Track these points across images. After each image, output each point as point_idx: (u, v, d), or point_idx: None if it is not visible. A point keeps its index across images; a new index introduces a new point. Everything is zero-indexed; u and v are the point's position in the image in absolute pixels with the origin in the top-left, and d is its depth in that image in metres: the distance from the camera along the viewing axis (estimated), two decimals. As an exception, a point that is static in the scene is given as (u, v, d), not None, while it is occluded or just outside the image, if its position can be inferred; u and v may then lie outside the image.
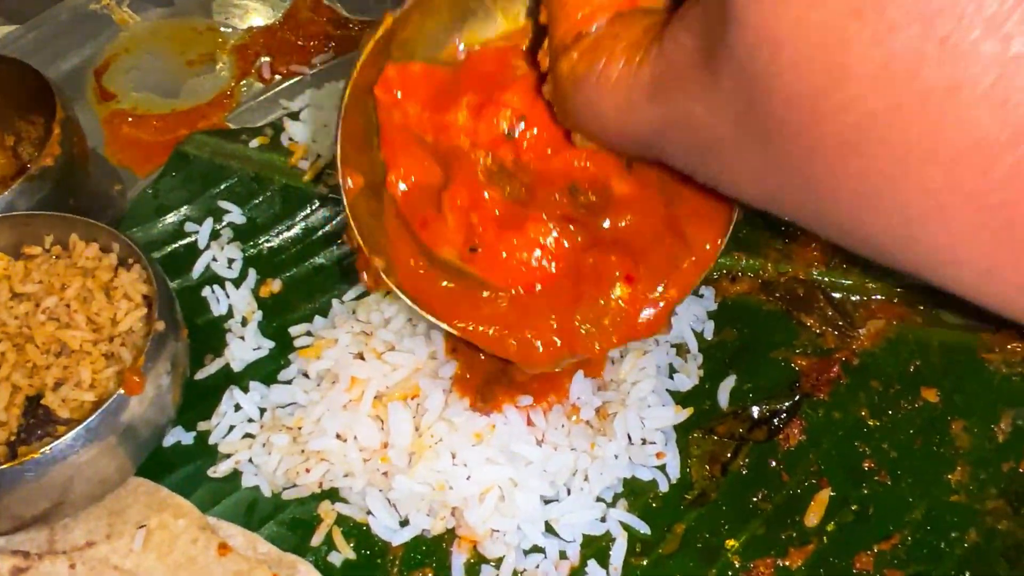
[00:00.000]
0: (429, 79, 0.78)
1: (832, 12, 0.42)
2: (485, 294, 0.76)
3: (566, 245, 0.76)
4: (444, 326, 0.77)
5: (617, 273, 0.76)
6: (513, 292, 0.76)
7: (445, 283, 0.76)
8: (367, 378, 0.86)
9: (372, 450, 0.84)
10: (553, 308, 0.76)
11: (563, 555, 0.81)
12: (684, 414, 0.87)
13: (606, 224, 0.77)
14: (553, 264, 0.76)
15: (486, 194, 0.76)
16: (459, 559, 0.81)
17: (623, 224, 0.77)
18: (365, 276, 0.80)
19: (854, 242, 0.53)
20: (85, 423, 0.77)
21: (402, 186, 0.77)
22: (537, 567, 0.81)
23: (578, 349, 0.77)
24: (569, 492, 0.83)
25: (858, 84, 0.43)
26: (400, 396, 0.85)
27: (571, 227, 0.76)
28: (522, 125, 0.76)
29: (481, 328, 0.76)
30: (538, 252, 0.76)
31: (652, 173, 0.76)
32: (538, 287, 0.76)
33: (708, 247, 0.77)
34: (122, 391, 0.79)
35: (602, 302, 0.77)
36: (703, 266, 0.78)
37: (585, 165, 0.76)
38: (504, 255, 0.76)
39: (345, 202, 0.76)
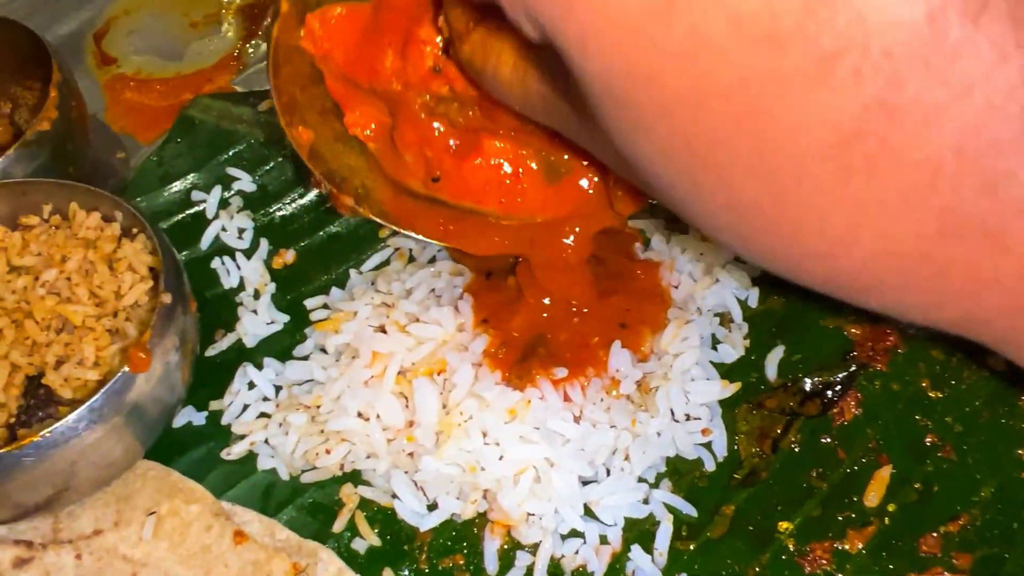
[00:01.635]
0: (352, 23, 0.77)
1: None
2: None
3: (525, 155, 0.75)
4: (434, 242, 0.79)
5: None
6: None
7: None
8: (390, 352, 0.80)
9: (396, 429, 0.79)
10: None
11: (604, 540, 0.76)
12: (731, 388, 0.81)
13: None
14: (523, 171, 0.76)
15: (435, 125, 0.76)
16: (492, 545, 0.76)
17: None
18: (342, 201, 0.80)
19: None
20: (88, 403, 0.71)
21: (362, 131, 0.78)
22: (576, 553, 0.75)
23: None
24: (609, 472, 0.77)
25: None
26: (426, 371, 0.79)
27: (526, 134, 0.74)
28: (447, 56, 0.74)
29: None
30: (507, 166, 0.76)
31: None
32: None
33: None
34: (127, 368, 0.73)
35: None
36: None
37: None
38: (470, 179, 0.76)
39: (303, 156, 0.78)
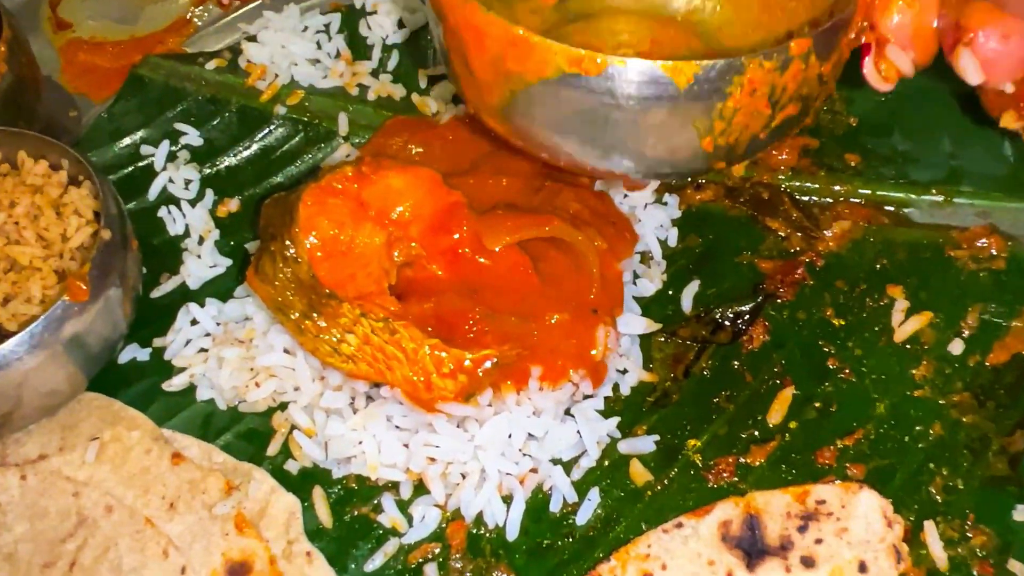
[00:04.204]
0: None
1: None
2: None
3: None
4: None
5: None
6: None
7: None
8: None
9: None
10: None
11: (533, 471, 0.80)
12: (654, 327, 0.86)
13: None
14: None
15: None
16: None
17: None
18: None
19: None
20: (29, 328, 0.75)
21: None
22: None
23: None
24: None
25: None
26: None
27: None
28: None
29: None
30: None
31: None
32: None
33: None
34: (66, 298, 0.77)
35: None
36: None
37: None
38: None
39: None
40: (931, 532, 0.74)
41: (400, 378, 0.76)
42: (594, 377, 0.81)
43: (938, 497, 0.76)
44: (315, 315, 0.77)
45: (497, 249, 0.82)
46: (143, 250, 0.94)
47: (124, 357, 0.88)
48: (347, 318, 0.76)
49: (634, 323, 0.86)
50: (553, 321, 0.80)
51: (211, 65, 1.10)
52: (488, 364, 0.76)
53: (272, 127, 1.05)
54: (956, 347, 0.83)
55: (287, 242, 0.79)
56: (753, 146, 0.76)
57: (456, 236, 0.82)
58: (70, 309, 0.78)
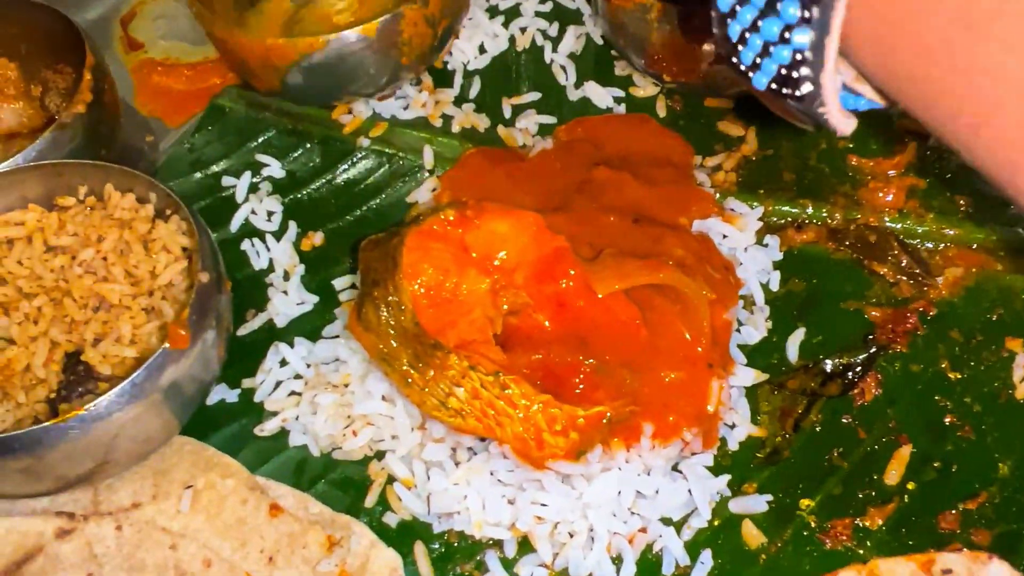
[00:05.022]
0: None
1: None
2: None
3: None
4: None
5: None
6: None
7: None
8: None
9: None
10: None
11: (643, 531, 0.77)
12: (761, 377, 0.83)
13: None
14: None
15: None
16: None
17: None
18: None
19: None
20: (130, 378, 0.73)
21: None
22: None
23: None
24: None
25: None
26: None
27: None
28: None
29: None
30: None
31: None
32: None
33: None
34: (167, 345, 0.75)
35: None
36: None
37: None
38: None
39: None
40: (1064, 606, 0.71)
41: (510, 435, 0.74)
42: (707, 435, 0.78)
43: (1070, 567, 0.73)
44: (421, 365, 0.75)
45: (600, 296, 0.80)
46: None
47: (212, 398, 0.86)
48: (455, 370, 0.73)
49: (743, 375, 0.83)
50: (668, 380, 0.77)
51: (293, 97, 1.08)
52: (603, 421, 0.73)
53: (355, 159, 1.03)
54: (1080, 404, 0.80)
55: (391, 288, 0.76)
56: (433, 52, 1.04)
57: (563, 283, 0.79)
58: (170, 356, 0.76)
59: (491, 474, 0.77)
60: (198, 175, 1.03)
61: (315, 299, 0.93)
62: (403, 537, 0.78)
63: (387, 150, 1.03)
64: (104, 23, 1.21)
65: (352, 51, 0.96)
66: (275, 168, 1.02)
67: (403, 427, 0.80)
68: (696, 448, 0.78)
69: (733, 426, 0.81)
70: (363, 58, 0.97)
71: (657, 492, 0.76)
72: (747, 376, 0.83)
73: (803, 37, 0.50)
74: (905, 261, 0.89)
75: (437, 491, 0.77)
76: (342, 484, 0.82)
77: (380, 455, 0.82)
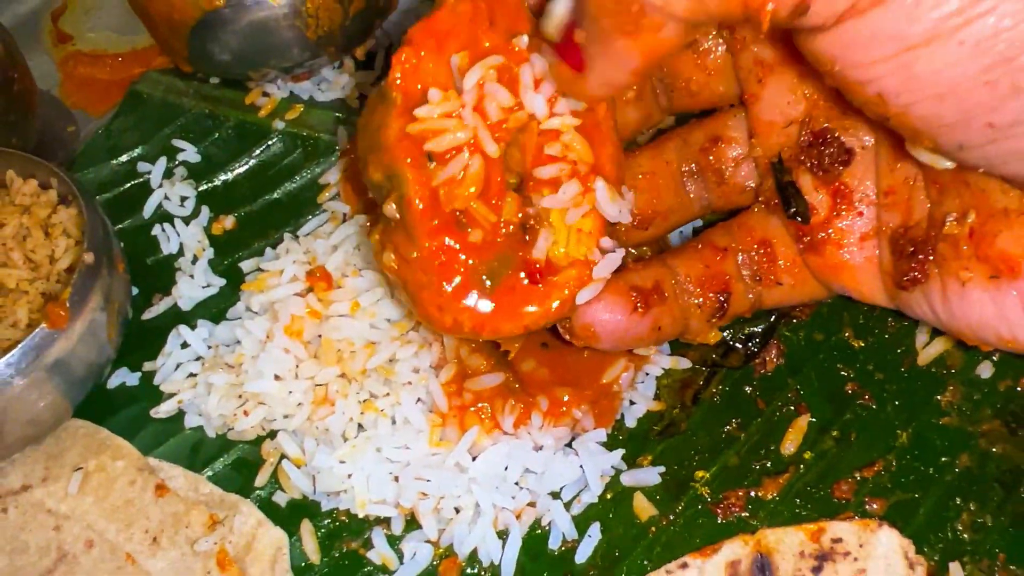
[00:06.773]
0: None
1: None
2: None
3: None
4: None
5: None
6: None
7: None
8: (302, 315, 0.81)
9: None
10: None
11: (531, 504, 0.76)
12: (671, 361, 0.81)
13: None
14: None
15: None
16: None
17: None
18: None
19: None
20: (5, 357, 0.73)
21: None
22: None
23: None
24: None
25: None
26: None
27: None
28: None
29: None
30: None
31: None
32: None
33: None
34: (44, 325, 0.75)
35: None
36: None
37: None
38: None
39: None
40: (957, 574, 0.69)
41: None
42: (602, 414, 0.77)
43: (965, 535, 0.71)
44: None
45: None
46: (137, 270, 0.92)
47: (113, 382, 0.86)
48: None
49: (661, 360, 0.81)
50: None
51: (212, 80, 1.07)
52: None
53: (270, 142, 1.02)
54: (985, 370, 0.77)
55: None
56: (345, 33, 1.01)
57: None
58: (50, 335, 0.75)
59: (377, 451, 0.76)
60: (114, 162, 1.03)
61: (222, 282, 0.92)
62: (292, 516, 0.77)
63: (303, 132, 1.02)
64: (34, 17, 1.22)
65: (255, 16, 0.95)
66: (191, 152, 1.02)
67: (294, 404, 0.79)
68: (587, 426, 0.77)
69: (632, 403, 0.80)
70: (265, 23, 0.96)
71: (547, 468, 0.75)
72: (665, 361, 0.81)
73: None
74: (813, 230, 0.87)
75: (324, 469, 0.76)
76: (236, 465, 0.81)
77: (273, 435, 0.81)
